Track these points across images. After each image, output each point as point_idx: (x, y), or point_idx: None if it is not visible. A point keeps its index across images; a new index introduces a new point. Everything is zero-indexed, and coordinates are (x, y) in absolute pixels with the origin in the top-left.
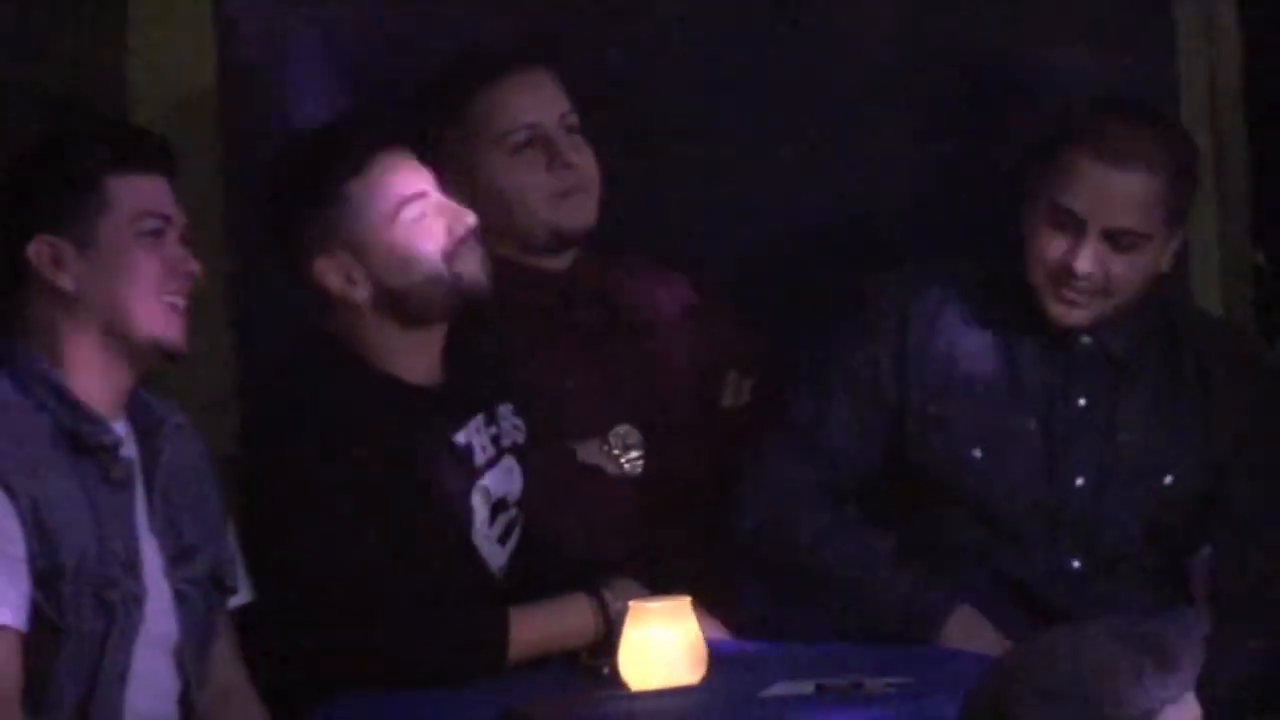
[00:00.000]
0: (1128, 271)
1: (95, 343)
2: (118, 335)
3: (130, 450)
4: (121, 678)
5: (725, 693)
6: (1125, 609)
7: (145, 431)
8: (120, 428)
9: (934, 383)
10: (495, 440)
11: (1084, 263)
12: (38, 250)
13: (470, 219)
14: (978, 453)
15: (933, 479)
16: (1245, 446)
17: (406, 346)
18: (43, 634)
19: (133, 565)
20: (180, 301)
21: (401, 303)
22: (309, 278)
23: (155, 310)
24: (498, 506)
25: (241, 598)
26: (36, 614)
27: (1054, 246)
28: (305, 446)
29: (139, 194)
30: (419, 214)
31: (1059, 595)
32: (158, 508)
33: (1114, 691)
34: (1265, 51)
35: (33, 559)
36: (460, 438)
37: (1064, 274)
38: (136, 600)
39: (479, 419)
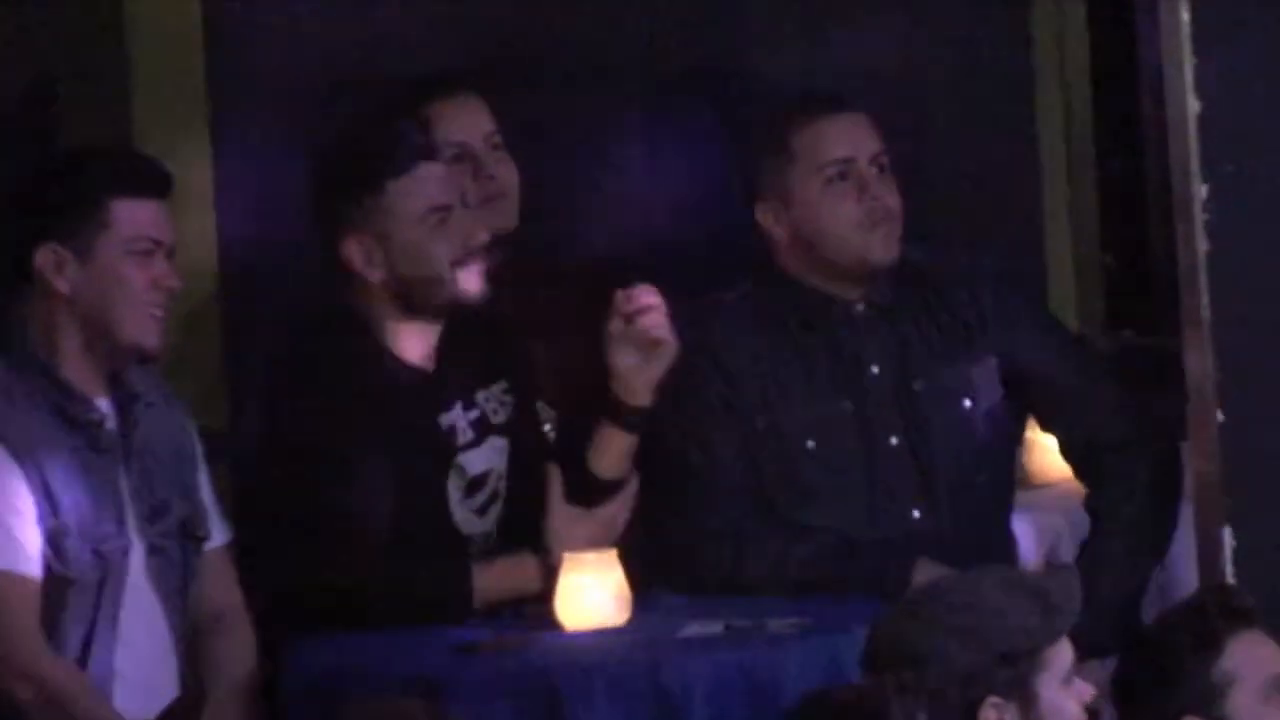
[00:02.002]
0: (897, 199)
1: (83, 338)
2: (103, 336)
3: (113, 423)
4: (114, 619)
5: (646, 632)
6: (974, 549)
7: (124, 406)
8: (104, 405)
9: (755, 398)
10: (477, 423)
11: (874, 186)
12: (44, 257)
13: (484, 236)
14: (811, 443)
15: (775, 490)
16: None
17: (405, 329)
18: (51, 584)
19: (121, 522)
20: (160, 312)
21: (407, 291)
22: (336, 251)
23: (138, 319)
24: (475, 483)
25: (219, 539)
26: (46, 568)
27: (845, 198)
28: (309, 399)
29: (137, 217)
30: (441, 221)
31: (909, 549)
32: (134, 471)
33: (1003, 630)
34: (1111, 80)
35: (42, 518)
36: (444, 420)
37: (871, 211)
38: (124, 552)
39: (460, 405)
